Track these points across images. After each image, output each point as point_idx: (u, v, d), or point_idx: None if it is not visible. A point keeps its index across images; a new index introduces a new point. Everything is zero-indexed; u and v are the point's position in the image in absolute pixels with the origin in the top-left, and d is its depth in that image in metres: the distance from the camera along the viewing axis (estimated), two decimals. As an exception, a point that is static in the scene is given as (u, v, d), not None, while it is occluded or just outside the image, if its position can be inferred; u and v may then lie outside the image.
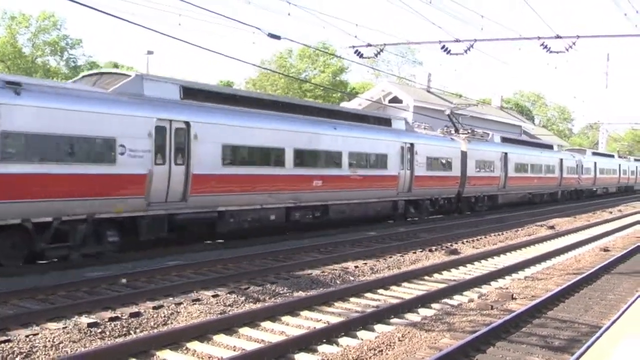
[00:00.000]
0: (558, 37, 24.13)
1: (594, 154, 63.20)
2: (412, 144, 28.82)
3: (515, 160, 39.93)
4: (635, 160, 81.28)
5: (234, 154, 19.90)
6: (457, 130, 36.44)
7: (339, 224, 25.22)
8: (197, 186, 18.22)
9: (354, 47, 26.63)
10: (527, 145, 45.63)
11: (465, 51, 25.49)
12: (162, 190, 17.40)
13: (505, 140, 41.04)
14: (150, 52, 57.70)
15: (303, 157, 22.52)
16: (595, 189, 61.00)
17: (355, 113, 29.65)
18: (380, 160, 26.90)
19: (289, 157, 21.74)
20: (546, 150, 49.35)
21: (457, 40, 25.66)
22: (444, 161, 31.78)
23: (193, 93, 19.37)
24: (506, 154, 38.32)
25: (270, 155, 21.29)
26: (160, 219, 17.62)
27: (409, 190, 28.77)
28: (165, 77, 20.70)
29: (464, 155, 33.52)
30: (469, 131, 37.06)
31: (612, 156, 71.44)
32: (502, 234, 26.22)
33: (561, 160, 49.32)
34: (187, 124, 18.05)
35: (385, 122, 29.01)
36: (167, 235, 18.12)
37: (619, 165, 69.71)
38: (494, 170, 36.96)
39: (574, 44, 23.92)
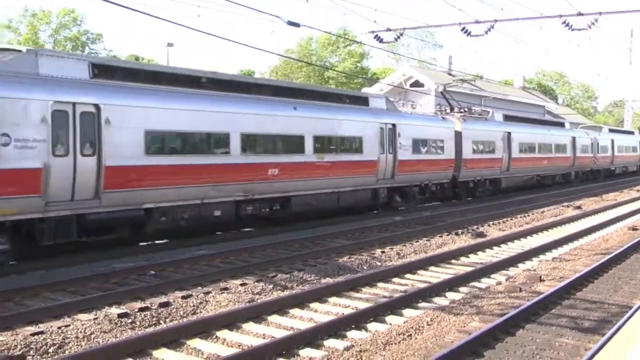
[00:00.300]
0: (580, 14, 23.81)
1: (611, 130, 59.96)
2: (394, 125, 25.66)
3: (520, 140, 36.95)
4: None
5: (161, 142, 17.04)
6: (452, 109, 34.11)
7: (308, 216, 22.66)
8: (112, 180, 15.42)
9: (373, 32, 26.52)
10: (534, 124, 42.12)
11: (486, 32, 25.25)
12: (66, 187, 14.60)
13: (508, 118, 38.18)
14: (170, 45, 58.23)
15: (254, 143, 19.68)
16: (613, 169, 57.45)
17: (323, 91, 26.14)
18: (355, 144, 23.90)
19: (235, 143, 18.77)
20: (556, 128, 46.07)
21: (477, 22, 25.43)
22: (433, 143, 28.80)
23: (107, 71, 16.40)
24: (509, 133, 35.50)
25: (211, 142, 18.43)
26: (65, 221, 14.78)
27: (392, 176, 25.74)
28: (71, 53, 18.32)
29: (458, 135, 30.82)
30: (466, 110, 34.70)
31: (632, 133, 67.50)
32: (528, 215, 26.06)
33: (574, 138, 45.91)
34: (97, 107, 15.18)
35: (361, 101, 25.93)
36: (78, 239, 15.32)
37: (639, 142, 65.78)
38: (495, 152, 34.29)
39: (596, 20, 23.60)
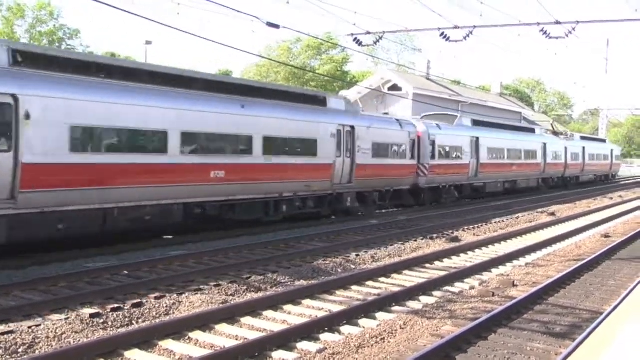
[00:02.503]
0: (557, 22, 24.06)
1: (583, 138, 58.99)
2: (352, 127, 24.59)
3: (489, 145, 36.32)
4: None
5: (89, 138, 15.62)
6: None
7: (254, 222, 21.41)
8: (31, 179, 14.17)
9: (353, 35, 26.60)
10: (503, 129, 41.00)
11: (465, 38, 25.44)
12: None
13: (477, 123, 37.38)
14: (148, 42, 57.77)
15: (195, 143, 18.23)
16: (584, 177, 56.61)
17: (276, 90, 24.07)
18: (308, 146, 22.58)
19: (174, 142, 17.37)
20: (527, 134, 45.08)
21: (456, 27, 25.62)
22: (395, 147, 27.96)
23: (30, 58, 14.91)
24: (477, 138, 34.95)
25: (145, 140, 16.98)
26: None
27: (349, 181, 24.70)
28: None
29: (422, 140, 30.00)
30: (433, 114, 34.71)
31: (604, 141, 67.64)
32: (503, 220, 26.23)
33: (544, 144, 45.15)
34: (15, 97, 13.90)
35: (319, 101, 24.46)
36: None
37: (611, 150, 65.36)
38: (462, 157, 33.61)
39: (573, 29, 23.86)
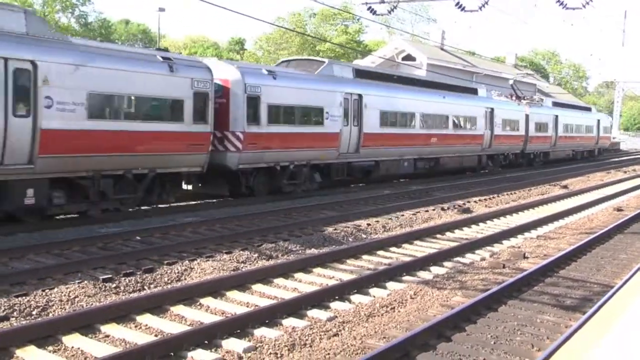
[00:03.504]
0: (575, -7, 23.73)
1: (558, 104, 47.66)
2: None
3: (381, 106, 26.17)
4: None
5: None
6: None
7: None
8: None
9: (367, 3, 26.35)
10: (413, 85, 29.72)
11: (480, 8, 25.12)
12: None
13: (361, 74, 26.64)
14: (161, 9, 57.62)
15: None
16: (556, 153, 45.64)
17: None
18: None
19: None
20: (460, 95, 32.97)
21: (472, -4, 25.31)
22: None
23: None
24: (360, 96, 24.86)
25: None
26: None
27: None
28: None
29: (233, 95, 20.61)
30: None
31: (589, 109, 56.86)
32: (515, 193, 26.14)
33: (490, 110, 34.82)
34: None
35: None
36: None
37: (598, 121, 54.06)
38: (324, 124, 23.25)
39: (591, 0, 23.55)
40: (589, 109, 56.08)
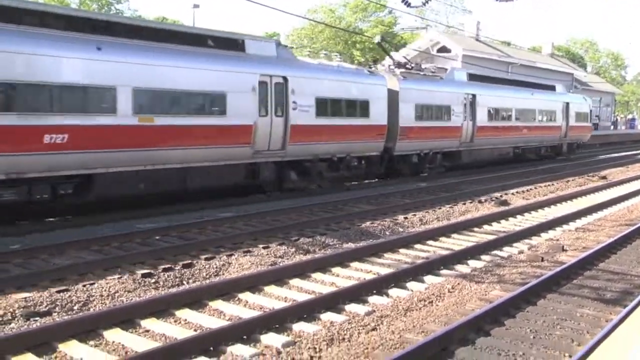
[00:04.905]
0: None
1: (472, 77, 31.49)
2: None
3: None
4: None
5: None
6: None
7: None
8: None
9: (401, -5, 26.17)
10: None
11: (515, -2, 24.88)
12: None
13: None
14: (196, 6, 57.97)
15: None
16: (478, 153, 30.76)
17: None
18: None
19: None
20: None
21: (508, -14, 25.05)
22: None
23: None
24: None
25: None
26: None
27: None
28: None
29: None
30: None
31: (552, 88, 39.48)
32: (553, 184, 25.85)
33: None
34: None
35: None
36: None
37: (566, 105, 38.52)
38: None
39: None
40: (551, 88, 39.51)
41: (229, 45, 19.10)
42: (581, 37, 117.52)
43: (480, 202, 20.31)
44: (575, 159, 39.76)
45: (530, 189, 24.05)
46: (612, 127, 79.82)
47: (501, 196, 21.67)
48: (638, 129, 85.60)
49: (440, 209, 18.76)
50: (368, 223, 16.18)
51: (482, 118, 30.03)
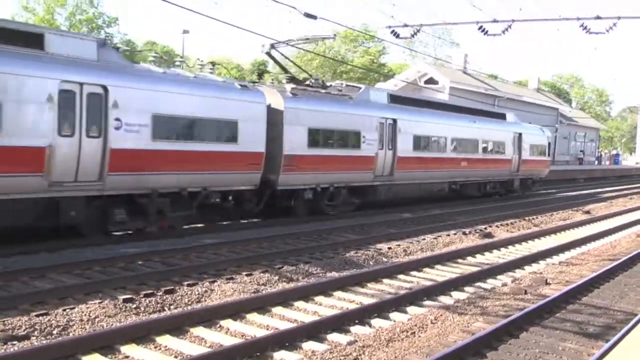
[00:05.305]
0: (598, 17, 23.67)
1: (395, 99, 26.58)
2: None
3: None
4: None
5: None
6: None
7: None
8: None
9: (390, 27, 26.49)
10: None
11: (503, 32, 25.15)
12: None
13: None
14: (186, 32, 58.30)
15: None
16: (399, 189, 25.90)
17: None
18: None
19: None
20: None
21: (494, 21, 25.35)
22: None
23: None
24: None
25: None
26: None
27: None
28: None
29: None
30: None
31: (502, 117, 35.42)
32: (537, 217, 25.94)
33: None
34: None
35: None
36: None
37: (517, 136, 34.46)
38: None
39: (614, 25, 23.46)
40: (500, 116, 35.79)
41: (21, 39, 14.37)
42: (567, 73, 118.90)
43: (464, 233, 20.33)
44: (560, 192, 39.94)
45: (514, 222, 24.10)
46: (596, 162, 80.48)
47: (485, 228, 21.71)
48: (622, 164, 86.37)
49: (424, 239, 18.75)
50: (352, 252, 16.15)
51: (405, 147, 25.23)
